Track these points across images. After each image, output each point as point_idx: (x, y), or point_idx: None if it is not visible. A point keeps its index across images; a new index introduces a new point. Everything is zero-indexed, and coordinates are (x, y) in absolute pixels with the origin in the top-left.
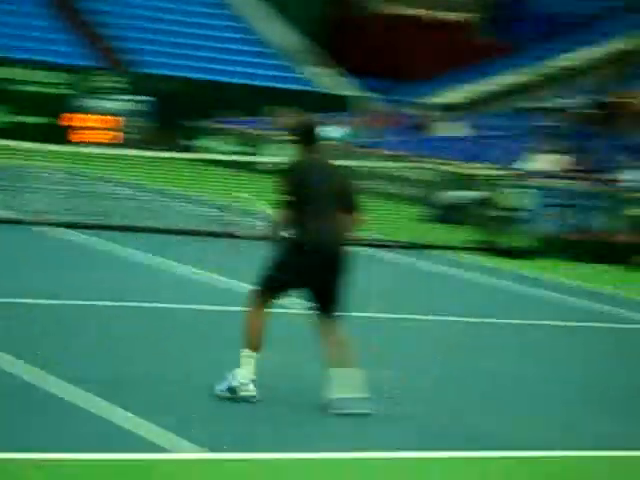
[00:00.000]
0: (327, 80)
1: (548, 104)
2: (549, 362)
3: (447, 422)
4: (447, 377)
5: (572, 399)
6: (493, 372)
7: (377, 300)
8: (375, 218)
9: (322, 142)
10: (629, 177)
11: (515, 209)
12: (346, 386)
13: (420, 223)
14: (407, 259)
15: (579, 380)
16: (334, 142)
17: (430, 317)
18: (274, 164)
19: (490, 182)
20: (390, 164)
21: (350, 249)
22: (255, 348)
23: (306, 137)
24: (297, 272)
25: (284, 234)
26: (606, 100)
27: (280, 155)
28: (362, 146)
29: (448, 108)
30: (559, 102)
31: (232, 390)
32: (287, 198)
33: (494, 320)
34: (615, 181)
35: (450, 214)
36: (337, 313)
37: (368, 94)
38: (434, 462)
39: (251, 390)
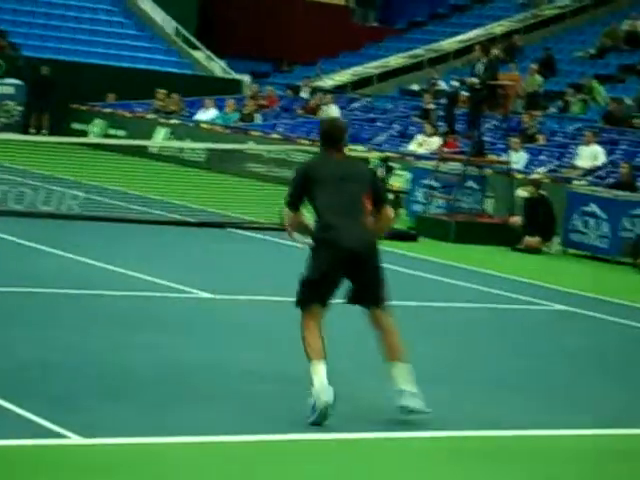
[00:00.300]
0: (211, 64)
1: (430, 86)
2: (432, 342)
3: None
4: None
5: (450, 379)
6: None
7: (265, 282)
8: (263, 201)
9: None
10: (513, 158)
11: (399, 191)
12: (401, 380)
13: None
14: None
15: (458, 360)
16: (219, 126)
17: None
18: (158, 148)
19: (375, 164)
20: (277, 147)
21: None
22: (319, 356)
23: (327, 138)
24: (325, 272)
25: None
26: (491, 82)
27: (162, 139)
28: (245, 130)
29: (335, 91)
30: (445, 84)
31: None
32: (303, 196)
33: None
34: (498, 162)
35: None
36: (379, 305)
37: (253, 78)
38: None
39: (326, 397)
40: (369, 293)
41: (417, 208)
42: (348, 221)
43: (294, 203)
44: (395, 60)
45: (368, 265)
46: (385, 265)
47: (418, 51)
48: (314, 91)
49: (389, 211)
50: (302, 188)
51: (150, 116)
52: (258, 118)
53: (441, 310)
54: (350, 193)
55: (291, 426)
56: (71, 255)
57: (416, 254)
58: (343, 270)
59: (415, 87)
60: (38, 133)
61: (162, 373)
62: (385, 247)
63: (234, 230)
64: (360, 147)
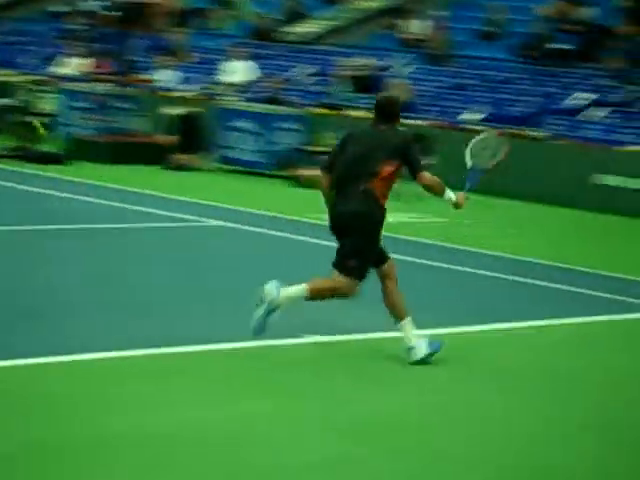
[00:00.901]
0: None
1: (77, 7)
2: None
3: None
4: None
5: None
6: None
7: None
8: None
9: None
10: (162, 77)
11: (46, 114)
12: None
13: None
14: None
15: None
16: None
17: None
18: None
19: (20, 88)
20: None
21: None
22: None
23: (379, 111)
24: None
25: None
26: (135, 1)
27: None
28: None
29: None
30: (87, 5)
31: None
32: (329, 164)
33: (32, 227)
34: (148, 81)
35: None
36: (337, 269)
37: None
38: None
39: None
40: (337, 255)
41: (64, 131)
42: (345, 194)
43: (326, 167)
44: None
45: (349, 230)
46: (36, 189)
47: None
48: None
49: (425, 177)
50: (335, 155)
51: None
52: None
53: (110, 231)
54: (363, 158)
55: None
56: None
57: (68, 176)
58: (336, 233)
59: (60, 8)
60: None
61: None
62: (34, 171)
63: None
64: (4, 71)
